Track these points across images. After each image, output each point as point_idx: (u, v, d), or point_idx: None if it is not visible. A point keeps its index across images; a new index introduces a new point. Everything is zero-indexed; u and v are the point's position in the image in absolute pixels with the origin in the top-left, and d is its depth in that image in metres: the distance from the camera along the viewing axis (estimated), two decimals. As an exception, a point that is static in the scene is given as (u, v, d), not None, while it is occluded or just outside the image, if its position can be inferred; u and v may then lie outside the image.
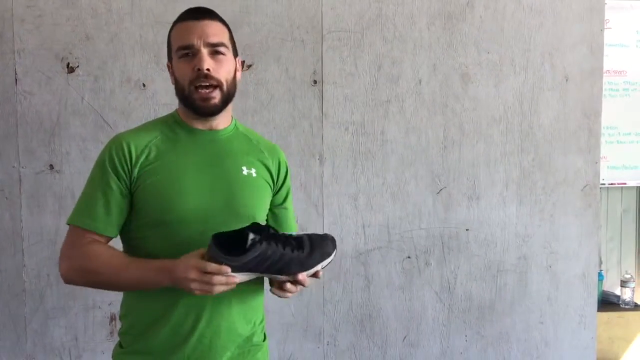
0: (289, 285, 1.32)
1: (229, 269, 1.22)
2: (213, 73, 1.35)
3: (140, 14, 2.21)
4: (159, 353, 1.37)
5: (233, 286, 1.25)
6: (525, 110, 2.43)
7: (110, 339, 2.24)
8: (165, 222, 1.34)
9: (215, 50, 1.37)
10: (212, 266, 1.22)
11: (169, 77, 1.46)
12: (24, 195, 2.19)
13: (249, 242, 1.23)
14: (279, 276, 1.29)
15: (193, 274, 1.22)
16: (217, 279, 1.22)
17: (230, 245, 1.23)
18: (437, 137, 2.39)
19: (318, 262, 1.31)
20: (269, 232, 1.27)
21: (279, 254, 1.26)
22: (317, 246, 1.31)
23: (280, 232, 1.32)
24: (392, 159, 2.37)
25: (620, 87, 3.35)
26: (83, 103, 2.20)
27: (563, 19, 2.43)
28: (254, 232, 1.24)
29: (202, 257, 1.24)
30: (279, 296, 1.36)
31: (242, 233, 1.25)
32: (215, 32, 1.37)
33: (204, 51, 1.35)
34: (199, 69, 1.34)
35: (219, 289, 1.23)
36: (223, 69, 1.38)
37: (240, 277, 1.25)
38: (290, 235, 1.32)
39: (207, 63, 1.34)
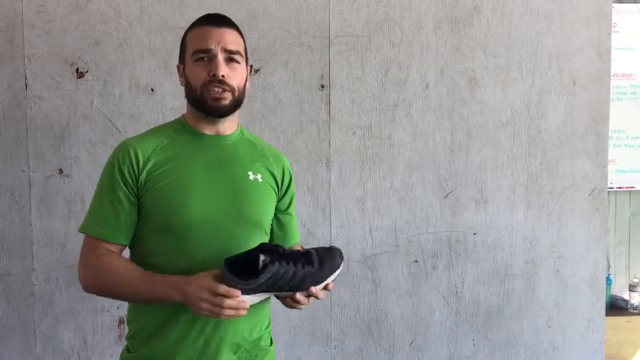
0: (300, 297, 1.32)
1: (239, 292, 1.23)
2: (227, 80, 1.37)
3: (149, 19, 2.22)
4: (165, 358, 1.38)
5: (244, 312, 1.26)
6: (533, 114, 2.43)
7: (119, 342, 2.25)
8: (172, 226, 1.35)
9: (230, 58, 1.38)
10: (224, 288, 1.23)
11: (177, 81, 1.48)
12: (33, 199, 2.21)
13: (261, 264, 1.24)
14: (292, 293, 1.32)
15: (205, 295, 1.23)
16: (228, 302, 1.23)
17: (242, 268, 1.25)
18: (444, 141, 2.39)
19: (328, 276, 1.33)
20: (279, 252, 1.28)
21: (291, 273, 1.28)
22: (326, 260, 1.33)
23: (287, 249, 1.34)
24: (399, 163, 2.37)
25: (628, 91, 3.34)
26: (92, 108, 2.22)
27: (570, 23, 2.43)
28: (263, 253, 1.26)
29: (216, 278, 1.25)
30: (292, 308, 1.37)
31: (252, 255, 1.26)
32: (233, 40, 1.39)
33: (221, 57, 1.37)
34: (214, 75, 1.35)
35: (228, 312, 1.24)
36: (237, 76, 1.39)
37: (252, 299, 1.27)
38: (298, 251, 1.34)
39: (223, 69, 1.36)
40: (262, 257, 1.25)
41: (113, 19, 2.21)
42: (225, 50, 1.37)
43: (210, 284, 1.24)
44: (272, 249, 1.28)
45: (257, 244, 1.39)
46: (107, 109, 2.22)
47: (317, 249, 1.36)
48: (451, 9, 2.37)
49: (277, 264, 1.26)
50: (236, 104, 1.42)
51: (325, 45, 2.31)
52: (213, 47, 1.36)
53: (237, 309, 1.24)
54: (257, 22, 2.27)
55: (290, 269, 1.27)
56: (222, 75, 1.36)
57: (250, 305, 1.41)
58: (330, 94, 2.33)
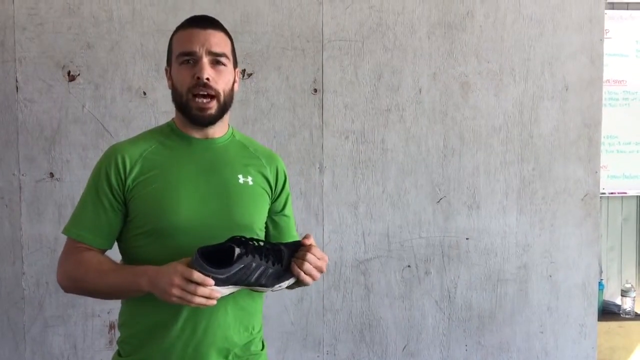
0: (305, 277, 1.30)
1: (212, 282, 1.21)
2: (212, 83, 1.36)
3: (142, 22, 2.22)
4: (157, 362, 1.37)
5: (213, 302, 1.23)
6: (525, 119, 2.43)
7: (109, 347, 2.23)
8: (160, 231, 1.34)
9: (216, 60, 1.37)
10: (198, 275, 1.20)
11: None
12: (24, 203, 2.19)
13: (235, 255, 1.23)
14: (259, 288, 1.30)
15: (177, 280, 1.20)
16: (201, 290, 1.20)
17: (214, 258, 1.24)
18: (437, 146, 2.39)
19: (290, 278, 1.32)
20: (253, 245, 1.27)
21: (262, 268, 1.27)
22: (291, 259, 1.32)
23: (258, 241, 1.32)
24: (392, 168, 2.37)
25: (620, 97, 3.36)
26: (84, 111, 2.21)
27: (563, 29, 2.44)
28: (237, 244, 1.25)
29: (188, 266, 1.23)
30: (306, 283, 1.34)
31: (224, 247, 1.25)
32: (218, 42, 1.38)
33: (205, 60, 1.35)
34: (198, 78, 1.34)
35: (199, 300, 1.21)
36: (222, 79, 1.38)
37: (222, 291, 1.25)
38: (270, 246, 1.32)
39: (207, 72, 1.35)
40: (237, 250, 1.24)
41: (105, 22, 2.20)
42: (210, 53, 1.36)
43: (184, 270, 1.21)
44: (245, 241, 1.27)
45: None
46: (99, 113, 2.21)
47: (287, 246, 1.34)
48: (444, 14, 2.37)
49: (250, 256, 1.25)
50: (222, 109, 1.40)
51: (319, 49, 2.31)
52: (197, 50, 1.35)
53: (208, 298, 1.21)
54: (250, 26, 2.27)
55: (261, 264, 1.27)
56: (207, 79, 1.35)
57: (241, 308, 1.41)
58: (323, 98, 2.32)
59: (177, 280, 1.20)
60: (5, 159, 2.19)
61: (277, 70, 2.29)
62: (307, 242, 1.33)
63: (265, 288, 1.31)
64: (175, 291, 1.20)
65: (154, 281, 1.24)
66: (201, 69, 1.35)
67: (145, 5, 2.22)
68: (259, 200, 1.46)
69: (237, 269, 1.24)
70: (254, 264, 1.26)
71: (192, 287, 1.20)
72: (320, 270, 1.32)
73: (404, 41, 2.36)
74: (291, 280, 1.32)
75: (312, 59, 2.31)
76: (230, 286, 1.26)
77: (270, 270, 1.28)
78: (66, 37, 2.19)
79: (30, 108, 2.18)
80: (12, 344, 2.22)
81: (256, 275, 1.27)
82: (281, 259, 1.30)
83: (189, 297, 1.20)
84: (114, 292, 1.36)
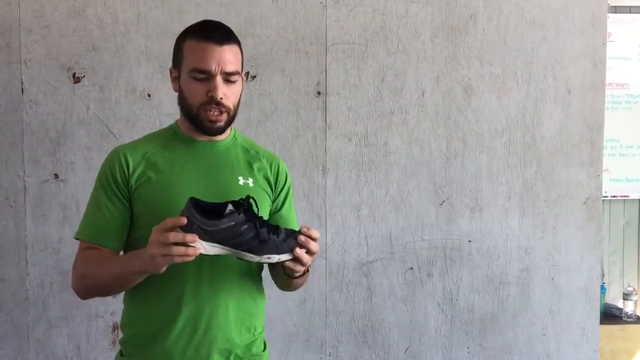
0: (300, 252, 1.27)
1: (184, 220, 1.16)
2: (225, 101, 1.37)
3: (146, 25, 2.23)
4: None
5: (194, 252, 1.18)
6: (528, 122, 2.44)
7: (113, 348, 2.24)
8: None
9: (229, 78, 1.38)
10: (170, 220, 1.17)
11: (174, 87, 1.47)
12: (28, 204, 2.20)
13: (227, 210, 1.20)
14: (249, 255, 1.25)
15: (154, 235, 1.18)
16: (173, 235, 1.16)
17: (208, 215, 1.20)
18: (440, 148, 2.40)
19: (289, 250, 1.28)
20: (250, 210, 1.24)
21: (254, 232, 1.23)
22: (290, 236, 1.28)
23: (257, 209, 1.28)
24: (395, 170, 2.38)
25: (622, 100, 3.36)
26: (88, 113, 2.22)
27: (565, 33, 2.44)
28: (233, 205, 1.22)
29: None
30: (293, 269, 1.31)
31: (219, 206, 1.22)
32: (232, 59, 1.38)
33: (219, 78, 1.36)
34: (212, 96, 1.36)
35: (177, 250, 1.16)
36: (233, 94, 1.40)
37: (207, 249, 1.20)
38: (268, 221, 1.30)
39: (221, 91, 1.36)
40: (229, 206, 1.21)
41: (110, 25, 2.21)
42: (224, 73, 1.36)
43: (159, 225, 1.19)
44: (242, 204, 1.24)
45: None
46: (104, 114, 2.22)
47: (285, 229, 1.31)
48: (447, 18, 2.38)
49: (242, 215, 1.22)
50: (231, 121, 1.43)
51: (322, 52, 2.32)
52: (213, 69, 1.35)
53: (184, 243, 1.16)
54: (254, 28, 2.28)
55: (253, 228, 1.23)
56: (220, 98, 1.36)
57: (243, 308, 1.41)
58: (326, 100, 2.33)
59: (154, 235, 1.18)
60: (10, 160, 2.20)
61: (281, 73, 2.30)
62: (308, 231, 1.29)
63: (253, 255, 1.25)
64: (153, 249, 1.18)
65: (142, 256, 1.23)
66: (215, 89, 1.35)
67: (150, 7, 2.23)
68: (259, 202, 1.47)
69: (226, 224, 1.20)
70: (245, 225, 1.22)
71: (164, 235, 1.16)
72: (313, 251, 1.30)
73: (407, 44, 2.36)
74: (284, 257, 1.27)
75: (316, 61, 2.32)
76: (215, 245, 1.21)
77: (262, 237, 1.24)
78: (71, 39, 2.20)
79: (35, 110, 2.20)
80: (16, 345, 2.23)
81: (246, 238, 1.22)
82: (278, 232, 1.27)
83: (165, 249, 1.16)
84: (116, 282, 1.35)
